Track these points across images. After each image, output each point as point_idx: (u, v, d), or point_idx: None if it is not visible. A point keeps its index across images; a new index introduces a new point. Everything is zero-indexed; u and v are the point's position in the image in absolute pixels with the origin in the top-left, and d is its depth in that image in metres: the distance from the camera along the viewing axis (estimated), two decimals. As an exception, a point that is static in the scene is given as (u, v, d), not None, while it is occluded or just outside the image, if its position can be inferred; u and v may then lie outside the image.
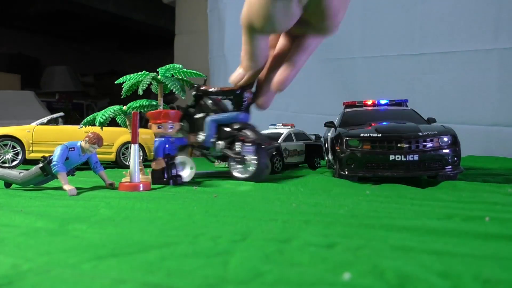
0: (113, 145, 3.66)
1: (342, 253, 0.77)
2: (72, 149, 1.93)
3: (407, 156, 2.04)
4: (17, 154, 3.35)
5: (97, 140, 1.94)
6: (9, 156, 3.32)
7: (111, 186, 2.00)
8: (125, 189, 1.91)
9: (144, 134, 3.79)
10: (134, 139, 1.98)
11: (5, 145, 3.32)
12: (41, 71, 9.63)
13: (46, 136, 3.46)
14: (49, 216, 1.18)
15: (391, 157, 2.06)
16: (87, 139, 1.94)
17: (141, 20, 9.69)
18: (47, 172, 1.89)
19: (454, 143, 2.11)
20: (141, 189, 1.93)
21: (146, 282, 0.62)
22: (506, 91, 4.26)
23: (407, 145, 2.06)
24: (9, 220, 1.14)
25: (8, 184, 2.03)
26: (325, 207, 1.34)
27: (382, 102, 2.87)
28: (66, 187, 1.78)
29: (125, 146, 3.70)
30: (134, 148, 1.98)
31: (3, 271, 0.68)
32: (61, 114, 3.93)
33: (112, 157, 3.67)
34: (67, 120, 7.88)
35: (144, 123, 2.78)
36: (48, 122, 3.62)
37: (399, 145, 2.07)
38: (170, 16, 8.78)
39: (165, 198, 1.59)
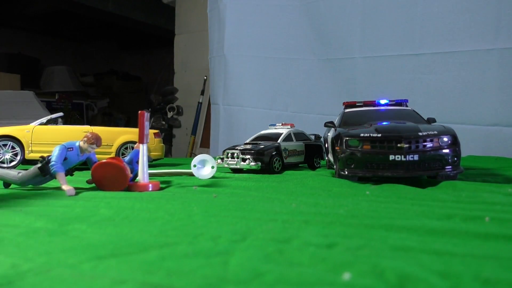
0: (112, 145, 3.66)
1: (342, 253, 0.77)
2: (71, 149, 1.92)
3: (407, 156, 2.04)
4: (16, 154, 3.35)
5: (96, 140, 1.94)
6: (8, 156, 3.32)
7: None
8: (134, 189, 1.91)
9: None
10: (142, 139, 1.98)
11: (5, 145, 3.32)
12: (40, 71, 9.63)
13: (45, 136, 3.46)
14: (48, 216, 1.18)
15: (391, 157, 2.06)
16: (85, 139, 1.94)
17: (140, 20, 9.68)
18: (45, 172, 1.89)
19: (454, 143, 2.10)
20: (150, 189, 1.92)
21: (146, 282, 0.62)
22: (506, 91, 4.26)
23: (407, 145, 2.06)
24: (8, 220, 1.14)
25: (7, 184, 2.03)
26: (325, 207, 1.34)
27: (382, 102, 2.87)
28: (65, 187, 1.78)
29: (125, 146, 3.70)
30: (142, 148, 1.98)
31: (2, 271, 0.68)
32: (61, 114, 3.92)
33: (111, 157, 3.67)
34: (67, 120, 7.88)
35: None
36: (48, 122, 3.62)
37: (399, 145, 2.07)
38: (170, 16, 8.78)
39: (164, 198, 1.59)
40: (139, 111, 2.02)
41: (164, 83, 9.47)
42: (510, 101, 4.26)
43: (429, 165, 2.06)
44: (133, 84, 11.07)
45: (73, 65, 10.02)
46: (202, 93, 7.75)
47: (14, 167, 3.29)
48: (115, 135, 3.70)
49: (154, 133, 3.90)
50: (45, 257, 0.76)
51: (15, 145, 3.35)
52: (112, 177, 1.92)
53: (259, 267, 0.68)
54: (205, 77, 7.53)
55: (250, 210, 1.27)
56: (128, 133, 3.76)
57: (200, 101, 7.80)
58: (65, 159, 1.90)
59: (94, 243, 0.87)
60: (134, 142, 3.71)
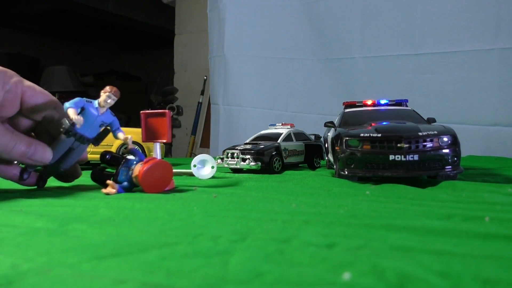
0: (112, 145, 3.66)
1: (342, 253, 0.77)
2: (89, 101, 1.74)
3: (407, 156, 2.04)
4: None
5: (112, 89, 1.78)
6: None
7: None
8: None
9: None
10: (169, 137, 2.00)
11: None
12: (40, 71, 9.63)
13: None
14: (48, 216, 1.18)
15: (391, 157, 2.06)
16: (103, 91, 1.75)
17: (140, 20, 9.69)
18: (69, 131, 1.67)
19: (454, 143, 2.10)
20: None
21: (145, 282, 0.62)
22: (507, 91, 4.26)
23: (407, 145, 2.06)
24: (8, 220, 1.14)
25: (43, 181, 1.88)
26: (325, 207, 1.34)
27: (382, 102, 2.87)
28: (72, 115, 1.63)
29: (125, 146, 3.70)
30: (156, 146, 2.00)
31: (2, 271, 0.68)
32: (61, 114, 3.92)
33: (111, 157, 3.67)
34: (67, 120, 7.88)
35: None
36: (48, 122, 3.61)
37: (399, 145, 2.07)
38: (170, 16, 8.79)
39: (164, 198, 1.59)
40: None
41: (164, 83, 9.47)
42: (510, 101, 4.26)
43: (429, 165, 2.06)
44: (133, 84, 11.07)
45: (73, 65, 10.02)
46: (202, 93, 7.76)
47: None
48: (115, 135, 3.69)
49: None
50: (45, 257, 0.76)
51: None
52: (161, 177, 1.82)
53: (259, 267, 0.68)
54: (205, 77, 7.53)
55: (250, 210, 1.27)
56: (128, 133, 3.75)
57: (200, 101, 7.80)
58: (83, 109, 1.71)
59: (94, 243, 0.87)
60: (134, 142, 3.71)
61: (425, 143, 2.08)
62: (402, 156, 2.04)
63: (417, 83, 4.74)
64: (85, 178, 2.14)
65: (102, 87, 1.83)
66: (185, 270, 0.67)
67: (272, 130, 3.41)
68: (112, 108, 1.96)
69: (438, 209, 1.27)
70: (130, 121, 9.61)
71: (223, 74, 5.94)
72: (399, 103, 2.87)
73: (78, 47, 11.49)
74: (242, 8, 5.80)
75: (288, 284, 0.60)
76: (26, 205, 1.42)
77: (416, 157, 2.04)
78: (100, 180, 1.91)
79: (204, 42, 6.78)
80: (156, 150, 2.03)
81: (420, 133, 2.09)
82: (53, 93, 9.04)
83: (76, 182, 2.11)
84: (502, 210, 1.23)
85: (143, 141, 2.03)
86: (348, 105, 2.98)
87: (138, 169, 1.80)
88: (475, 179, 2.24)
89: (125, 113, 9.93)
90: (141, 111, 2.05)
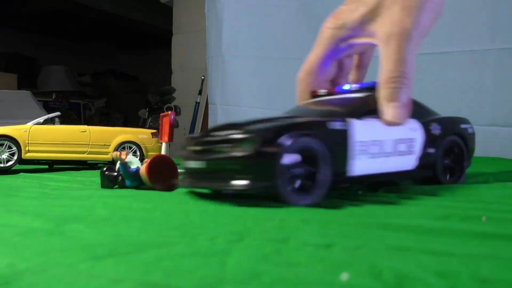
0: (109, 144, 3.65)
1: (340, 253, 0.77)
2: None
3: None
4: (12, 154, 3.33)
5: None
6: (5, 156, 3.30)
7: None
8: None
9: (142, 134, 3.78)
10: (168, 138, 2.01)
11: (1, 145, 3.30)
12: (38, 71, 9.60)
13: (42, 136, 3.45)
14: (45, 216, 1.17)
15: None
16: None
17: (138, 20, 9.67)
18: None
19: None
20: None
21: (143, 282, 0.62)
22: (504, 91, 4.27)
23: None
24: (5, 220, 1.13)
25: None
26: (322, 206, 1.34)
27: (346, 88, 1.77)
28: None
29: (122, 146, 3.70)
30: (164, 146, 2.00)
31: (-1, 271, 0.68)
32: (58, 113, 3.91)
33: (108, 157, 3.67)
34: (64, 120, 7.86)
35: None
36: (45, 122, 3.61)
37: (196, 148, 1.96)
38: (167, 16, 8.78)
39: (162, 197, 1.59)
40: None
41: (161, 83, 9.45)
42: (507, 101, 4.27)
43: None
44: (130, 84, 11.04)
45: (70, 64, 9.99)
46: (200, 93, 7.74)
47: (10, 167, 3.28)
48: (112, 135, 3.69)
49: (152, 133, 3.90)
50: (42, 257, 0.75)
51: (12, 145, 3.33)
52: (166, 174, 1.86)
53: (257, 267, 0.68)
54: (202, 77, 7.52)
55: (248, 210, 1.26)
56: (125, 133, 3.75)
57: (198, 101, 7.78)
58: None
59: (91, 243, 0.86)
60: (132, 142, 3.70)
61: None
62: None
63: (416, 83, 4.73)
64: (83, 178, 2.14)
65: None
66: (182, 270, 0.67)
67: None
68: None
69: (435, 209, 1.27)
70: (127, 120, 9.60)
71: (221, 74, 5.94)
72: (365, 87, 1.92)
73: (76, 47, 11.46)
74: (240, 8, 5.80)
75: (286, 284, 0.60)
76: (23, 205, 1.41)
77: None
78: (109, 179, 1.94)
79: (202, 42, 6.77)
80: (164, 149, 2.04)
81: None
82: (50, 93, 9.03)
83: (72, 182, 2.11)
84: (499, 210, 1.23)
85: (165, 141, 2.04)
86: (313, 95, 2.69)
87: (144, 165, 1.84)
88: (473, 179, 2.24)
89: (123, 113, 9.91)
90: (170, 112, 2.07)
